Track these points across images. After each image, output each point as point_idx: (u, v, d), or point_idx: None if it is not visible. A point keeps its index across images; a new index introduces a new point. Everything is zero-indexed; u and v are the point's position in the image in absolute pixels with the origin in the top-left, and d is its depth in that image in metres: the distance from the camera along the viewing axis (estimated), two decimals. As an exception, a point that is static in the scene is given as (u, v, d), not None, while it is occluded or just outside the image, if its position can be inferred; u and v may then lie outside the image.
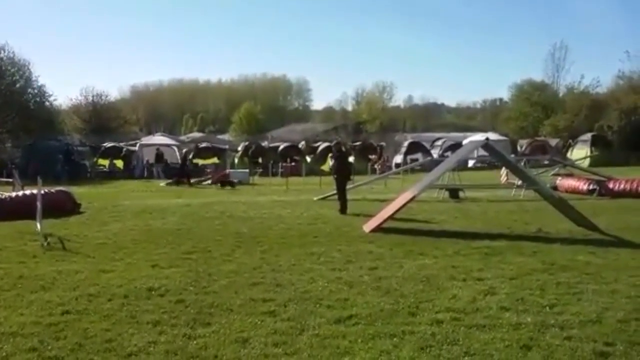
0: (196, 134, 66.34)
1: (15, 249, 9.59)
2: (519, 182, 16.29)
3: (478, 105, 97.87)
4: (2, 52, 38.66)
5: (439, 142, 42.16)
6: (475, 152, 20.50)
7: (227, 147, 42.69)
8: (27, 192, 14.84)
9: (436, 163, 19.45)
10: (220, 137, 64.27)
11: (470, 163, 34.51)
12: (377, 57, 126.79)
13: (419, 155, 38.05)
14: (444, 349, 4.84)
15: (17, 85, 39.53)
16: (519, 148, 42.26)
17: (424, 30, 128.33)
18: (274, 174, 32.24)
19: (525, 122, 56.84)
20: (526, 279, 7.22)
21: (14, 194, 15.11)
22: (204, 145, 40.75)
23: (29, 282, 7.17)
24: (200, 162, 38.54)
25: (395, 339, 5.07)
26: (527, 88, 60.72)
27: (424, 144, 41.29)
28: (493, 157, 15.62)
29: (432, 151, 39.67)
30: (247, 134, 64.80)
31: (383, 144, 41.65)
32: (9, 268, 8.01)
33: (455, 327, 5.35)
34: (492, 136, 35.41)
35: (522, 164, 19.67)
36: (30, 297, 6.50)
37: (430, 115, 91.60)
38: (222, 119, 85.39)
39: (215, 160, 39.08)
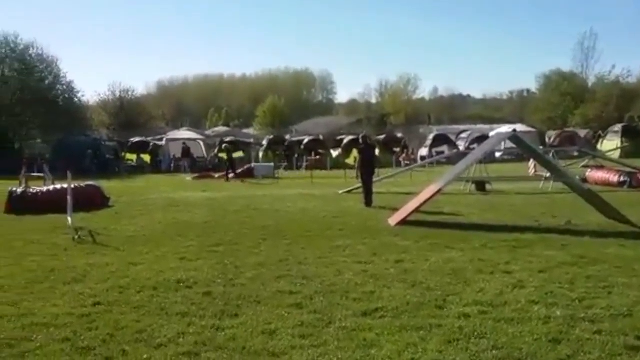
0: (221, 128, 66.85)
1: (47, 242, 9.80)
2: (548, 174, 16.04)
3: (505, 97, 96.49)
4: (31, 49, 39.45)
5: (465, 135, 41.75)
6: (503, 144, 20.31)
7: (251, 141, 42.94)
8: (58, 186, 15.17)
9: (462, 156, 19.26)
10: (244, 131, 64.67)
11: (498, 155, 34.13)
12: (401, 49, 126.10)
13: (444, 148, 37.76)
14: (471, 343, 4.80)
15: (46, 82, 40.25)
16: (547, 139, 41.59)
17: (449, 21, 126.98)
18: (299, 168, 32.34)
19: (554, 112, 55.86)
20: (555, 272, 7.12)
21: (45, 189, 15.45)
22: (229, 139, 41.05)
23: (61, 275, 7.32)
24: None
25: (422, 331, 5.05)
26: (555, 78, 59.65)
27: (450, 136, 40.93)
28: (521, 149, 15.41)
29: (458, 143, 39.31)
30: (271, 127, 65.06)
31: (400, 135, 41.45)
32: (42, 261, 8.20)
33: (483, 321, 5.31)
34: (520, 128, 34.96)
35: (551, 155, 19.38)
36: (63, 289, 6.65)
37: (455, 107, 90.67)
38: (246, 113, 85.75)
39: (240, 154, 39.37)
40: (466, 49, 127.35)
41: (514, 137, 12.69)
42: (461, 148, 36.31)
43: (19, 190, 14.83)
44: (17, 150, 36.79)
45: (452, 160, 25.66)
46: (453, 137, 40.76)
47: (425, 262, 7.73)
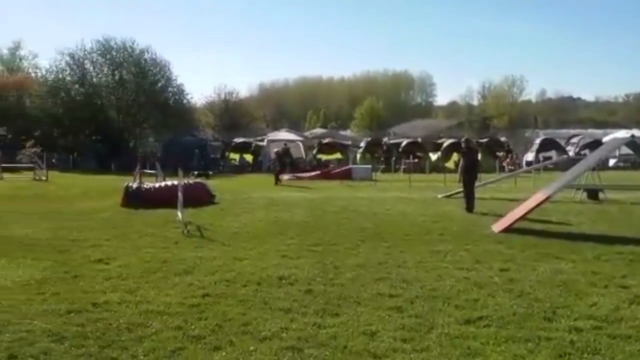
0: (319, 130, 67.83)
1: (159, 234, 10.42)
2: (669, 184, 14.80)
3: (620, 100, 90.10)
4: (146, 53, 42.09)
5: (575, 139, 39.44)
6: (617, 150, 19.02)
7: (349, 142, 43.20)
8: (168, 183, 16.10)
9: (572, 162, 18.25)
10: (342, 132, 65.18)
11: (611, 162, 31.99)
12: (506, 49, 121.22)
13: (552, 153, 35.98)
14: (584, 358, 4.56)
15: (159, 85, 42.80)
16: (668, 146, 38.37)
17: (558, 19, 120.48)
18: (397, 171, 32.08)
19: (676, 117, 51.45)
20: (679, 289, 6.55)
21: (157, 185, 16.45)
22: (327, 141, 41.59)
23: (172, 266, 7.77)
24: (324, 157, 39.43)
25: (529, 343, 4.84)
26: (679, 80, 54.96)
27: (559, 141, 38.87)
28: (639, 156, 14.33)
29: (568, 149, 37.24)
30: (368, 129, 65.10)
31: (503, 138, 39.97)
32: (155, 252, 8.73)
33: (597, 336, 5.00)
34: (638, 133, 32.37)
35: (673, 163, 17.87)
36: (174, 279, 7.04)
37: (564, 110, 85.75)
38: (344, 115, 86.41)
39: (338, 155, 39.76)
40: (577, 49, 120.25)
41: (632, 142, 11.86)
42: (571, 153, 34.41)
43: (134, 185, 15.90)
44: (131, 148, 39.52)
45: (560, 166, 24.37)
46: (562, 142, 38.67)
47: (533, 272, 7.38)
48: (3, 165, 26.46)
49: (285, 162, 27.83)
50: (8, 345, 4.74)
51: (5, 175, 25.97)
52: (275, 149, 29.57)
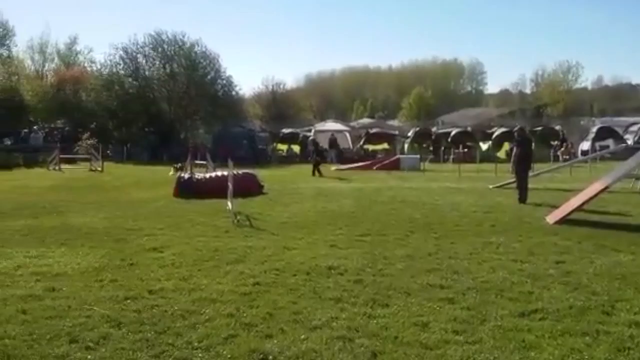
0: (366, 120, 67.42)
1: (210, 224, 10.61)
2: None
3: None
4: (196, 46, 42.76)
5: (635, 127, 37.79)
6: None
7: (396, 132, 42.79)
8: (218, 173, 16.38)
9: (631, 150, 17.52)
10: (389, 122, 64.61)
11: (673, 151, 30.55)
12: (560, 35, 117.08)
13: (609, 142, 34.64)
14: (645, 354, 4.39)
15: (209, 77, 43.43)
16: None
17: (615, 2, 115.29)
18: (445, 161, 31.62)
19: None
20: None
21: (207, 175, 16.77)
22: (374, 131, 41.33)
23: (224, 255, 7.90)
24: (371, 147, 39.22)
25: (587, 337, 4.70)
26: None
27: (616, 129, 37.36)
28: None
29: (626, 137, 35.76)
30: (416, 119, 64.32)
31: (557, 127, 38.73)
32: (207, 241, 8.90)
33: (659, 332, 4.81)
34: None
35: None
36: (226, 268, 7.16)
37: (622, 98, 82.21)
38: (391, 105, 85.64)
39: (385, 145, 39.49)
40: (636, 33, 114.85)
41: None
42: (629, 142, 33.05)
43: (186, 176, 16.26)
44: (182, 140, 40.38)
45: (617, 156, 23.45)
46: (620, 130, 37.14)
47: (590, 265, 7.15)
48: (61, 156, 27.53)
49: (323, 152, 27.32)
50: (69, 330, 4.93)
51: (64, 166, 27.03)
52: (311, 137, 28.90)
